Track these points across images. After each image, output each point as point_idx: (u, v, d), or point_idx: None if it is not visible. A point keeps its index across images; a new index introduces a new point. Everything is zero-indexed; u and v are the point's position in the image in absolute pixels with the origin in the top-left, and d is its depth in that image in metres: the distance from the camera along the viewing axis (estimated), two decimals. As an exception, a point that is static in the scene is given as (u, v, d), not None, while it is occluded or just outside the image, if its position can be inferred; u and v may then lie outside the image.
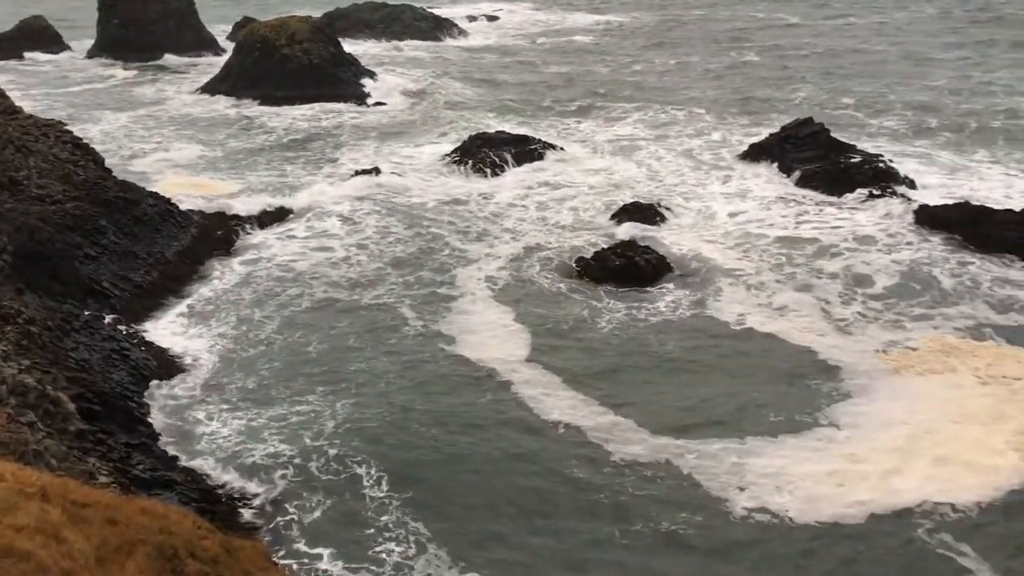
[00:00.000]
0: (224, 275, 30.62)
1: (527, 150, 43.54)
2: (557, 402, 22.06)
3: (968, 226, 31.55)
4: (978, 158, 41.98)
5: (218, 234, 33.47)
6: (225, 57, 67.43)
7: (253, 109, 56.55)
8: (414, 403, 22.22)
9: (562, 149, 44.68)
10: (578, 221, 35.39)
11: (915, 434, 19.99)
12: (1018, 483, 18.14)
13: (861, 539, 16.89)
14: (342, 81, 60.50)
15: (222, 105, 58.22)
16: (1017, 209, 32.18)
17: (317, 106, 56.57)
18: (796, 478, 18.62)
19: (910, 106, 52.37)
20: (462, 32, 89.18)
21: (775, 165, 40.28)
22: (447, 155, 43.35)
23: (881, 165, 38.04)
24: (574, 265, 30.59)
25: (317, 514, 18.23)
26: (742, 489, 18.34)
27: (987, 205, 33.12)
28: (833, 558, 16.49)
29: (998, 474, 18.40)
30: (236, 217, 35.17)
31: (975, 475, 18.37)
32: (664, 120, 51.38)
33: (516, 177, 40.96)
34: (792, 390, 22.41)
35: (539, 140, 45.15)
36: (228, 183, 41.26)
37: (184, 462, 19.85)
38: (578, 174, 41.43)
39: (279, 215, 36.22)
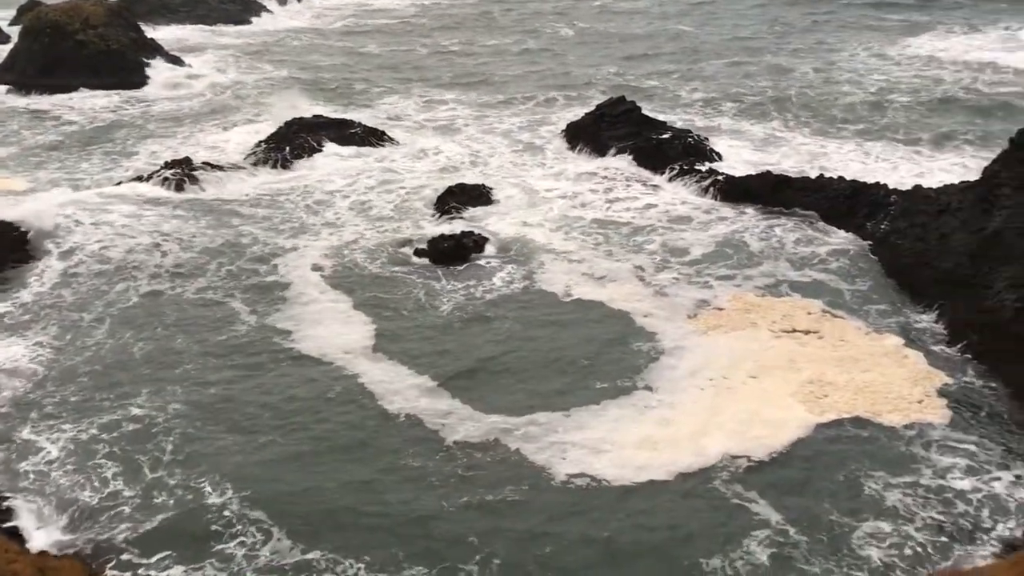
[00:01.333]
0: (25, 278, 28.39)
1: (347, 134, 42.64)
2: (399, 390, 21.96)
3: (771, 194, 33.54)
4: (779, 128, 44.62)
5: (14, 234, 30.88)
6: (10, 45, 62.14)
7: (44, 100, 52.45)
8: (254, 401, 21.56)
9: (383, 132, 44.02)
10: (404, 205, 35.03)
11: (718, 392, 21.34)
12: (803, 433, 19.62)
13: (669, 496, 17.88)
14: (144, 68, 57.10)
15: (8, 97, 53.65)
16: (813, 176, 34.49)
17: (117, 95, 53.16)
18: (615, 443, 19.47)
19: (717, 81, 55.01)
20: (272, 14, 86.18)
21: (592, 143, 41.26)
22: (261, 142, 41.73)
23: (691, 140, 39.75)
24: (404, 249, 30.32)
25: (154, 522, 17.41)
26: (564, 458, 19.05)
27: (787, 174, 35.24)
28: (644, 515, 17.34)
29: (787, 426, 19.83)
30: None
31: (768, 428, 19.73)
32: (485, 101, 51.61)
33: (337, 162, 40.05)
34: (613, 357, 23.28)
35: (359, 124, 44.31)
36: (15, 181, 38.14)
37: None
38: (401, 158, 41.01)
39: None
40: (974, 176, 29.84)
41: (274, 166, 39.32)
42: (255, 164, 39.64)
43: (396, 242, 31.09)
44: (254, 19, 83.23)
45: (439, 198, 34.78)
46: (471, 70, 60.74)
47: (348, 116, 46.32)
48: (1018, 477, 17.92)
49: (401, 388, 22.07)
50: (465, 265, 29.16)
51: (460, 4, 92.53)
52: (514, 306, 26.35)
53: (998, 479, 17.94)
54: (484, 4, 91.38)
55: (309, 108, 48.72)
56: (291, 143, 40.89)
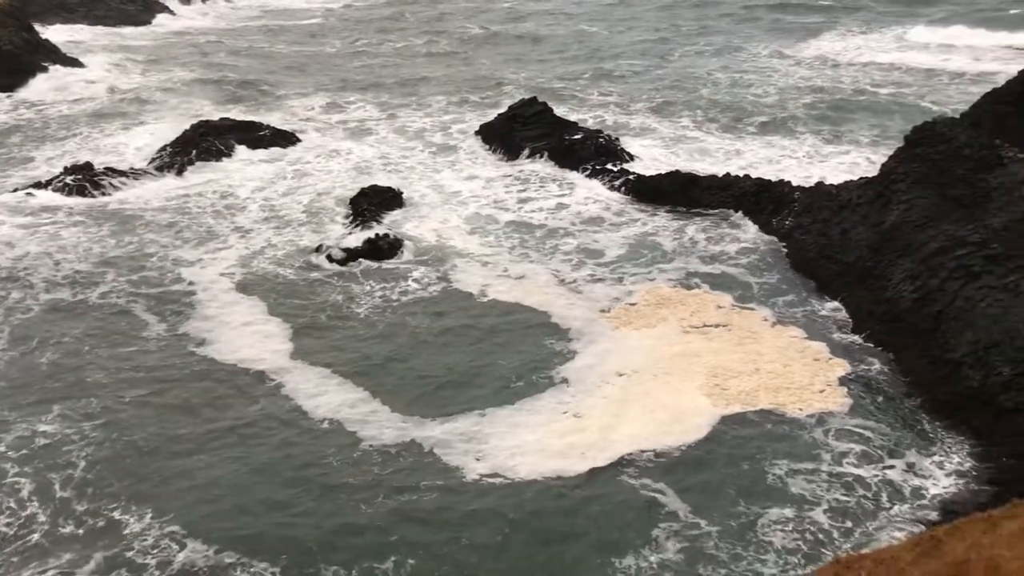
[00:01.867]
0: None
1: (256, 137, 41.83)
2: (318, 395, 21.77)
3: (681, 193, 34.21)
4: (688, 127, 45.52)
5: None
6: None
7: (-70, 104, 49.97)
8: (170, 414, 21.04)
9: (293, 134, 43.32)
10: (316, 208, 34.53)
11: (629, 387, 21.71)
12: (709, 425, 20.11)
13: (581, 492, 18.11)
14: (39, 70, 54.90)
15: None
16: (720, 174, 35.32)
17: (8, 99, 50.98)
18: (527, 441, 19.65)
19: (627, 82, 55.79)
20: (174, 15, 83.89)
21: (504, 144, 41.39)
22: (166, 146, 40.56)
23: (603, 140, 40.23)
24: (317, 254, 29.87)
25: (66, 543, 16.84)
26: (479, 458, 19.14)
27: (696, 172, 35.99)
28: (556, 513, 17.54)
29: (694, 419, 20.33)
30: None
31: (676, 422, 20.19)
32: (396, 102, 51.25)
33: (245, 166, 39.25)
34: (528, 355, 23.47)
35: (268, 126, 43.50)
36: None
37: None
38: (312, 160, 40.43)
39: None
40: (872, 172, 31.00)
41: (180, 171, 38.29)
42: (159, 169, 38.52)
43: (309, 247, 30.62)
44: (155, 19, 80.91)
45: (352, 201, 34.39)
46: (382, 71, 60.25)
47: (256, 118, 45.41)
48: (911, 464, 18.70)
49: (319, 393, 21.83)
50: (380, 268, 28.92)
51: (370, 5, 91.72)
52: (430, 308, 26.25)
53: (893, 465, 18.69)
54: (394, 5, 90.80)
55: (215, 110, 47.61)
56: (197, 147, 39.87)
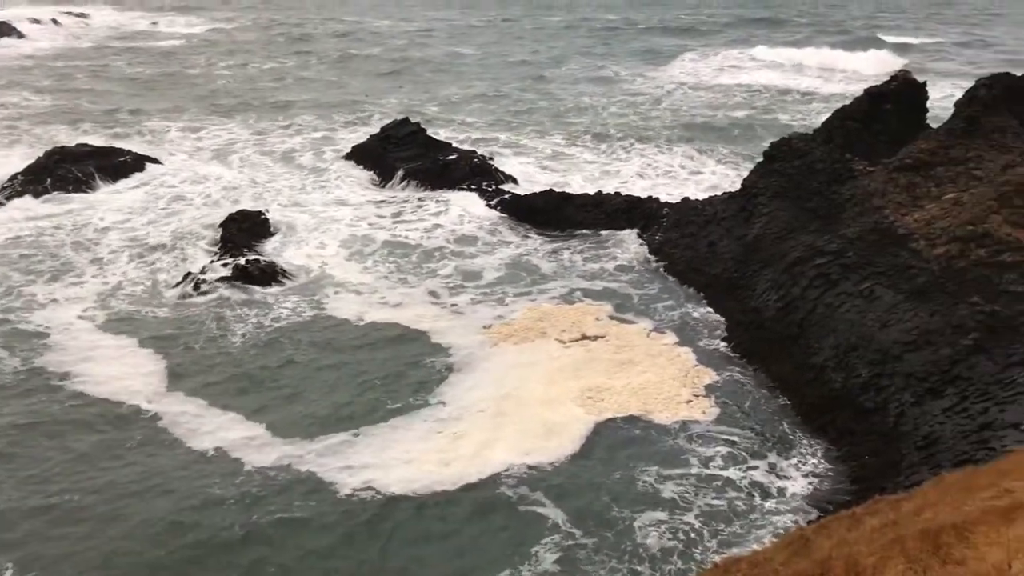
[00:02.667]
0: None
1: (117, 163, 40.10)
2: (196, 422, 21.07)
3: (555, 211, 34.69)
4: (561, 146, 46.32)
5: None
6: None
7: None
8: (41, 452, 19.80)
9: (156, 160, 41.75)
10: (184, 236, 33.25)
11: (505, 401, 21.83)
12: (583, 436, 20.41)
13: (458, 508, 18.05)
14: None
15: None
16: (592, 192, 36.03)
17: None
18: (403, 459, 19.49)
19: (499, 103, 56.36)
20: (24, 37, 79.80)
21: (377, 166, 41.08)
22: (17, 175, 38.36)
23: (477, 160, 40.45)
24: (186, 283, 28.69)
25: None
26: (354, 477, 18.92)
27: (567, 191, 36.60)
28: (433, 531, 17.42)
29: (569, 430, 20.60)
30: None
31: (551, 434, 20.42)
32: (264, 125, 50.17)
33: (106, 194, 37.54)
34: (405, 376, 23.29)
35: (129, 152, 41.76)
36: None
37: None
38: (177, 186, 39.04)
39: None
40: (735, 187, 32.26)
41: (34, 199, 36.26)
42: (9, 198, 36.39)
43: (177, 277, 29.43)
44: (3, 42, 76.71)
45: (221, 227, 33.30)
46: (248, 93, 58.92)
47: (117, 144, 43.56)
48: (774, 465, 19.44)
49: (197, 421, 21.06)
50: (253, 296, 28.05)
51: (235, 28, 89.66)
52: (306, 333, 25.65)
53: (756, 467, 19.40)
54: (260, 28, 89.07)
55: (72, 136, 45.42)
56: (52, 175, 37.89)
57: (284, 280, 29.29)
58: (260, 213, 34.54)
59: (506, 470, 19.06)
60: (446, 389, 22.52)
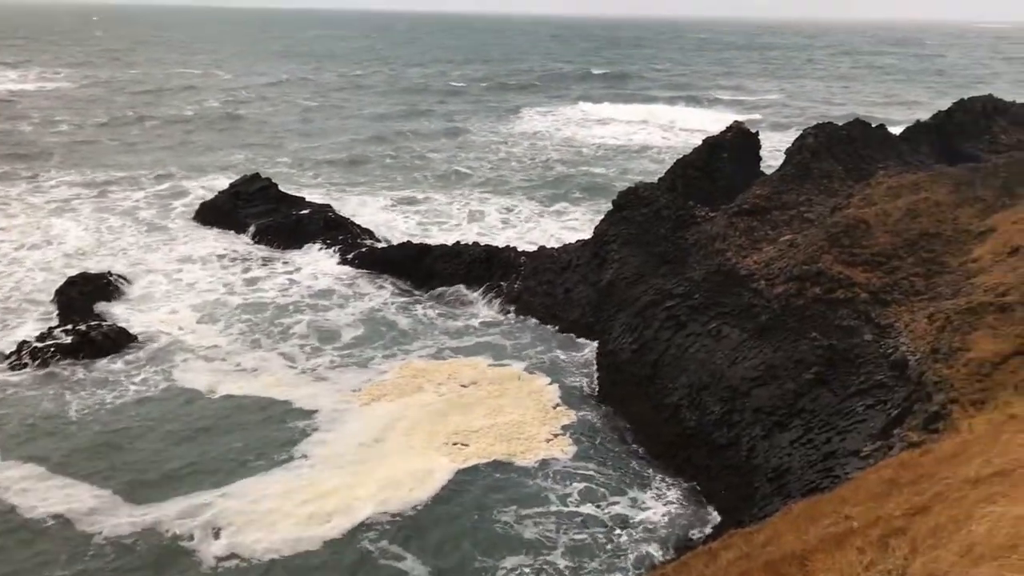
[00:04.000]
0: None
1: (-62, 227, 37.32)
2: (40, 497, 19.78)
3: (412, 263, 34.61)
4: (417, 198, 46.43)
5: None
6: None
7: None
8: None
9: (-16, 223, 39.20)
10: (16, 300, 31.18)
11: (370, 455, 21.58)
12: (445, 483, 20.45)
13: (320, 563, 17.67)
14: None
15: None
16: (450, 243, 36.23)
17: None
18: (264, 519, 18.94)
19: (352, 157, 56.07)
20: None
21: (228, 222, 39.98)
22: None
23: (331, 215, 39.96)
24: (20, 352, 26.73)
25: None
26: (217, 539, 18.27)
27: (427, 242, 36.64)
28: None
29: (431, 478, 20.60)
30: None
31: (414, 483, 20.36)
32: (104, 179, 48.04)
33: (-73, 260, 34.85)
34: (267, 438, 22.63)
35: (-47, 215, 39.03)
36: None
37: None
38: (8, 248, 36.67)
39: None
40: (588, 234, 33.18)
41: None
42: None
43: (9, 347, 27.46)
44: None
45: (59, 291, 31.34)
46: (87, 147, 56.38)
47: (-61, 206, 40.67)
48: (633, 500, 19.94)
49: (43, 496, 19.71)
50: (95, 364, 26.44)
51: (73, 86, 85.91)
52: (156, 404, 24.37)
53: (617, 502, 19.85)
54: (101, 85, 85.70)
55: None
56: None
57: (132, 347, 27.83)
58: (103, 275, 32.82)
59: (368, 524, 18.79)
60: (310, 448, 21.96)
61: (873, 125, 31.68)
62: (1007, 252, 19.80)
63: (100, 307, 30.53)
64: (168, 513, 19.04)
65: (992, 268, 19.47)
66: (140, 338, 28.36)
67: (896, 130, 33.30)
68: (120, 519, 18.85)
